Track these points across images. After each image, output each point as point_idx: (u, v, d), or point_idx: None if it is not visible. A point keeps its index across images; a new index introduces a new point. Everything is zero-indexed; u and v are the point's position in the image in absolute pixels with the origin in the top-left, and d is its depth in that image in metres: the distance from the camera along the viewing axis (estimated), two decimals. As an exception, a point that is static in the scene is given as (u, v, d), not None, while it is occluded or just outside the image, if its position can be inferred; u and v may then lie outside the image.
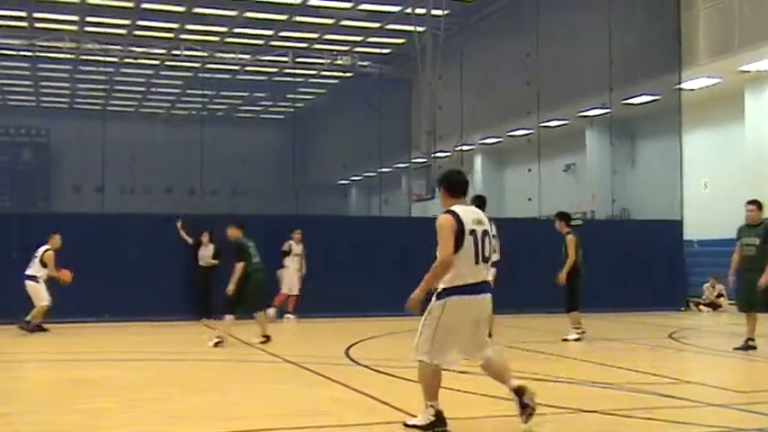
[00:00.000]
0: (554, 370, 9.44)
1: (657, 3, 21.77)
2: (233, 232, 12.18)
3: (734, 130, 22.91)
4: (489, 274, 6.39)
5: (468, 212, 6.22)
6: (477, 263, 6.13)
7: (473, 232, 6.12)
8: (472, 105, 29.46)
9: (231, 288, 11.83)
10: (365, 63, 34.51)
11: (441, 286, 6.14)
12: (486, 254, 6.18)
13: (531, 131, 28.59)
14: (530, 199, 25.20)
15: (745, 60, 20.32)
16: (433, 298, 6.19)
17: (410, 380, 8.59)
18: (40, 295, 14.00)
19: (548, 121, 27.36)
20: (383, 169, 40.44)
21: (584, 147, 27.85)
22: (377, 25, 30.78)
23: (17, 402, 7.88)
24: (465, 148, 32.59)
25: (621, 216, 24.03)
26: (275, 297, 16.12)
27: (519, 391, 6.29)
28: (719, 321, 17.88)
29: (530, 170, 28.31)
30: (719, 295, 20.46)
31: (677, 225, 20.44)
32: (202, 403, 7.61)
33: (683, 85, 21.32)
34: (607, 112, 24.78)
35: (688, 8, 21.26)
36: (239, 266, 11.87)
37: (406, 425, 6.28)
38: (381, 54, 34.54)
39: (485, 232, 6.22)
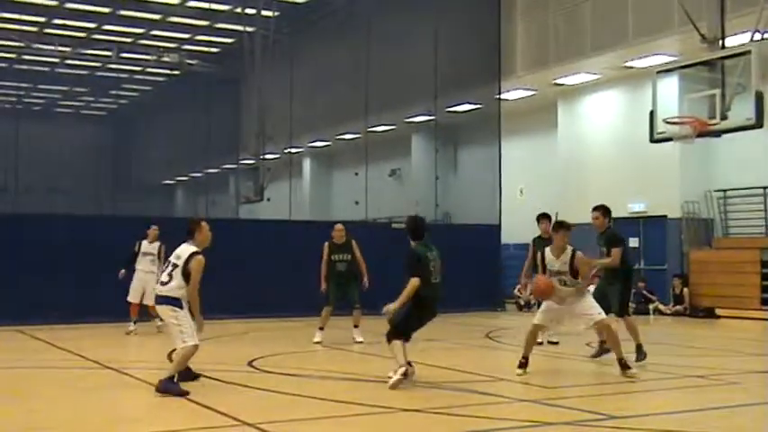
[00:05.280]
0: (373, 370, 9.60)
1: (480, 16, 22.63)
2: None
3: (548, 139, 24.24)
4: None
5: None
6: None
7: None
8: (302, 108, 29.52)
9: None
10: (193, 61, 33.76)
11: None
12: None
13: (359, 135, 28.99)
14: (357, 202, 25.51)
15: (559, 74, 21.55)
16: None
17: (232, 383, 8.53)
18: None
19: (376, 126, 27.84)
20: (210, 170, 39.75)
21: (409, 152, 28.54)
22: (206, 23, 30.25)
23: None
24: (294, 150, 32.65)
25: (444, 220, 24.78)
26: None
27: None
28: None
29: (357, 174, 28.66)
30: (531, 294, 21.65)
31: (496, 229, 21.33)
32: (3, 414, 7.17)
33: (502, 96, 22.30)
34: (432, 119, 25.51)
35: (508, 23, 22.27)
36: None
37: None
38: (210, 53, 33.96)
39: None
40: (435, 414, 7.17)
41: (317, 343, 12.43)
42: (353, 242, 12.87)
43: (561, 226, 9.42)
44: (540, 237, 12.40)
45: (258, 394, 8.14)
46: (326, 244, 12.83)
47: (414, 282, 8.69)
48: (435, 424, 6.91)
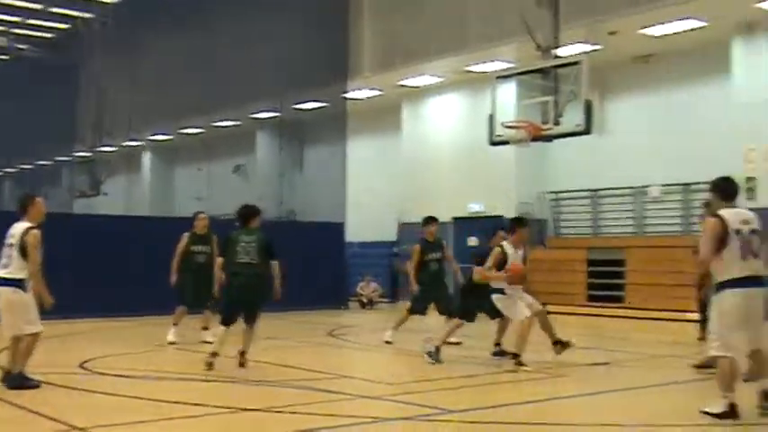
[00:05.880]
0: (215, 369, 9.43)
1: (328, 15, 22.69)
2: None
3: (393, 139, 24.65)
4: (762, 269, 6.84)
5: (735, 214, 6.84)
6: (744, 258, 6.70)
7: (739, 231, 6.73)
8: (142, 100, 28.61)
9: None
10: (24, 46, 32.06)
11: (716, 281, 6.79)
12: (755, 249, 6.73)
13: (202, 130, 28.44)
14: (199, 198, 25.04)
15: (403, 76, 21.94)
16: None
17: (61, 386, 8.15)
18: None
19: (220, 121, 27.39)
20: (42, 162, 37.92)
21: (254, 148, 28.26)
22: (39, 7, 28.77)
23: None
24: (133, 144, 31.62)
25: (288, 218, 24.70)
26: None
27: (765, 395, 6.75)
28: (375, 318, 19.09)
29: (200, 169, 28.12)
30: (374, 292, 22.08)
31: (340, 227, 21.46)
32: None
33: (349, 95, 22.44)
34: (277, 116, 25.35)
35: (355, 23, 22.45)
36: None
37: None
38: (44, 38, 32.34)
39: (752, 231, 6.79)
40: (276, 413, 7.13)
41: (172, 343, 11.90)
42: (213, 236, 12.44)
43: (524, 223, 10.39)
44: (425, 239, 12.30)
45: (88, 397, 7.82)
46: (186, 234, 12.35)
47: (217, 261, 10.14)
48: (276, 423, 6.88)
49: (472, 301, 10.58)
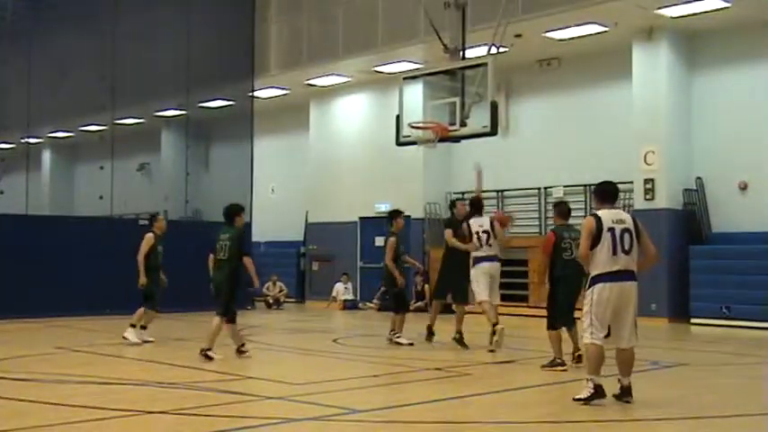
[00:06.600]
0: (121, 372, 9.25)
1: (235, 12, 22.44)
2: None
3: (300, 138, 24.56)
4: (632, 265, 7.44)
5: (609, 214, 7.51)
6: (615, 254, 7.33)
7: (612, 230, 7.36)
8: (42, 95, 27.71)
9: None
10: None
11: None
12: (626, 247, 7.35)
13: (105, 128, 27.70)
14: (101, 197, 24.39)
15: (311, 75, 21.90)
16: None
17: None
18: None
19: (123, 119, 26.75)
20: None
21: (159, 147, 27.76)
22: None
23: None
24: (32, 141, 30.52)
25: (194, 217, 24.31)
26: None
27: (627, 390, 7.50)
28: (282, 318, 19.00)
29: (102, 168, 27.37)
30: (280, 292, 22.01)
31: (246, 227, 21.21)
32: None
33: (255, 93, 22.27)
34: (183, 114, 24.95)
35: (262, 21, 22.28)
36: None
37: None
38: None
39: (625, 230, 7.39)
40: (182, 415, 7.02)
41: (148, 341, 12.08)
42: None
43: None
44: (392, 233, 12.79)
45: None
46: (151, 234, 12.24)
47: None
48: (185, 425, 6.77)
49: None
